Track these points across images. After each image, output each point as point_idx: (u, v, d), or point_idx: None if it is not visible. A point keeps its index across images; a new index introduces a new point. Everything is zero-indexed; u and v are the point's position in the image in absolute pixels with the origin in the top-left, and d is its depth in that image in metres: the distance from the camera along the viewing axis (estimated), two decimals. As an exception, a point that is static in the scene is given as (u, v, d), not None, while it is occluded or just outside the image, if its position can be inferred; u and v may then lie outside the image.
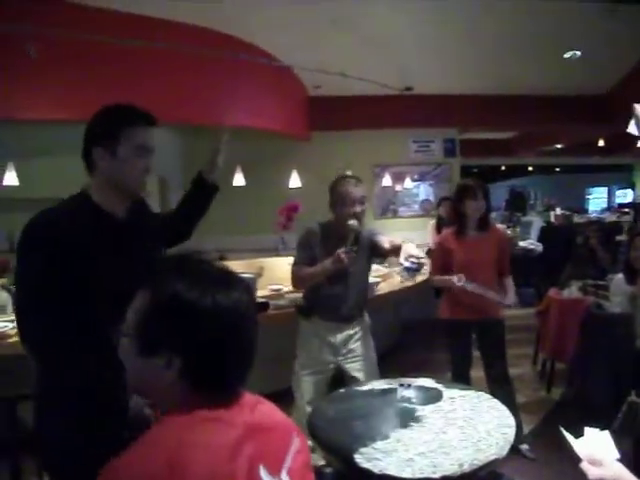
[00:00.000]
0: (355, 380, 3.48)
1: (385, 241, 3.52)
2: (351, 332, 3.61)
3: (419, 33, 6.90)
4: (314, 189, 7.80)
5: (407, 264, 3.13)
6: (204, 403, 1.18)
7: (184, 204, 2.64)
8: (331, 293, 3.52)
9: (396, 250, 3.34)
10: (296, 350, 3.69)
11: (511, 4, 6.28)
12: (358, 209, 3.41)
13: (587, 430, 1.78)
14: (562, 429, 1.73)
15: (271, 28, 6.29)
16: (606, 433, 1.78)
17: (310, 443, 3.13)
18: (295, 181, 7.53)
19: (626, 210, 11.91)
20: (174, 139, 8.14)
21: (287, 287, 5.48)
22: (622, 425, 3.76)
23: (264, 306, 4.63)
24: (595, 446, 1.68)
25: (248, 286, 1.30)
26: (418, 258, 3.11)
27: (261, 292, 5.00)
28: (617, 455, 1.66)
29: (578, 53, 7.47)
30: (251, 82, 6.70)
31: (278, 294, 5.15)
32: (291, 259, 5.70)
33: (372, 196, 9.19)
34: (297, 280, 3.54)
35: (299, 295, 5.07)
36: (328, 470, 1.92)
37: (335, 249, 3.31)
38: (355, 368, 3.60)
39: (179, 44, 5.61)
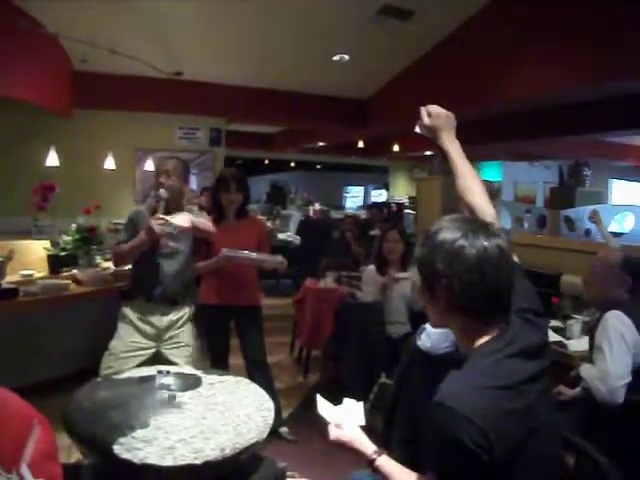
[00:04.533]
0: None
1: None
2: (174, 317, 3.60)
3: (194, 18, 6.81)
4: (73, 169, 7.41)
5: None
6: None
7: None
8: (149, 271, 3.52)
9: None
10: (115, 333, 3.57)
11: (288, 2, 6.43)
12: (163, 179, 3.51)
13: (345, 399, 1.94)
14: (318, 395, 1.87)
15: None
16: (360, 404, 1.94)
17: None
18: (53, 159, 7.07)
19: (373, 210, 12.72)
20: None
21: (40, 273, 5.14)
22: (374, 404, 4.04)
23: (12, 292, 4.30)
24: (345, 412, 1.88)
25: None
26: None
27: (10, 277, 4.62)
28: (363, 422, 1.86)
29: (346, 57, 7.82)
30: (7, 46, 6.06)
31: (29, 280, 4.80)
32: (45, 243, 5.41)
33: (133, 180, 8.95)
34: (116, 257, 3.61)
35: (56, 281, 4.81)
36: (86, 462, 1.81)
37: None
38: (178, 354, 3.58)
39: None
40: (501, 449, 1.36)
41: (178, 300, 3.65)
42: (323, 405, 1.89)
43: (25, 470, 1.08)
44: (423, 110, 2.04)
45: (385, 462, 1.65)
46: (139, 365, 3.35)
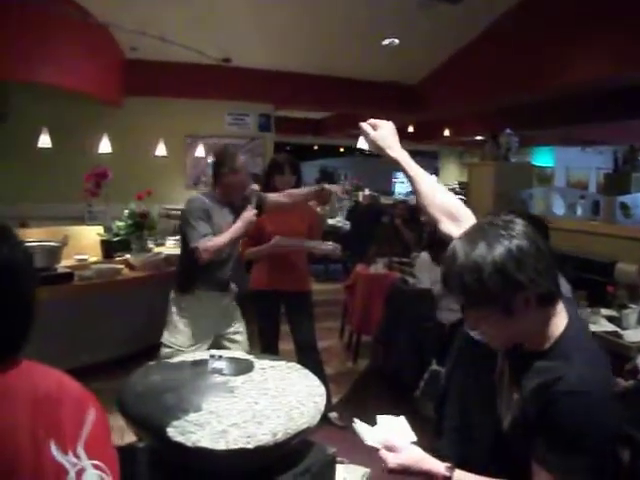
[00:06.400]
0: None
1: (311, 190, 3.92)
2: (227, 300, 3.71)
3: (242, 4, 6.82)
4: (125, 155, 7.53)
5: (345, 196, 4.05)
6: None
7: None
8: (222, 259, 3.54)
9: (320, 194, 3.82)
10: (170, 328, 3.57)
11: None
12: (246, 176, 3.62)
13: (380, 418, 1.84)
14: (355, 422, 1.80)
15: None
16: (402, 418, 1.86)
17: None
18: (105, 146, 7.19)
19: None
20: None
21: (93, 257, 5.24)
22: (424, 391, 4.02)
23: (67, 277, 4.40)
24: (391, 432, 1.75)
25: (19, 242, 1.20)
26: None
27: (66, 262, 4.72)
28: (414, 438, 1.74)
29: (396, 41, 7.73)
30: (58, 37, 6.20)
31: (84, 264, 4.90)
32: (98, 228, 5.50)
33: (184, 166, 9.05)
34: (215, 253, 3.39)
35: (109, 266, 4.88)
36: (141, 445, 1.84)
37: (232, 215, 3.52)
38: (238, 332, 3.73)
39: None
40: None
41: (230, 283, 3.75)
42: (364, 431, 1.77)
43: (81, 451, 1.10)
44: (366, 125, 2.02)
45: (463, 476, 1.55)
46: None
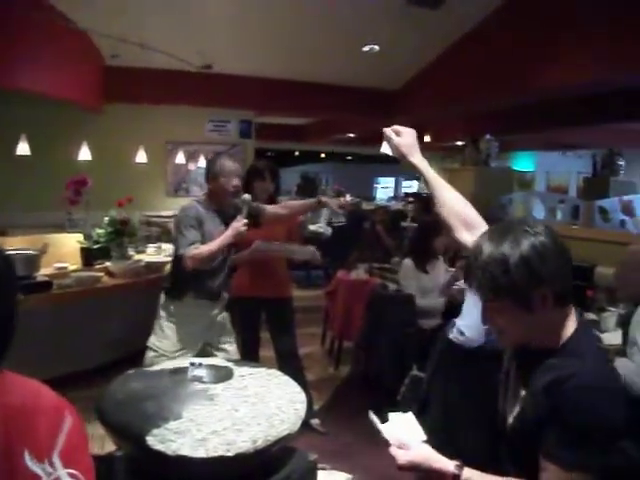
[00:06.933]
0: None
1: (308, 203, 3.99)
2: (218, 309, 3.66)
3: (223, 11, 6.82)
4: (106, 163, 7.48)
5: (340, 211, 4.12)
6: None
7: None
8: (213, 268, 3.51)
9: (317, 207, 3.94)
10: (157, 333, 3.54)
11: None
12: (238, 182, 3.54)
13: (391, 415, 1.84)
14: (371, 414, 1.80)
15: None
16: (410, 415, 1.86)
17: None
18: (85, 154, 7.14)
19: (411, 200, 12.62)
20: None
21: (73, 265, 5.20)
22: (405, 397, 4.03)
23: (46, 285, 4.36)
24: (401, 429, 1.75)
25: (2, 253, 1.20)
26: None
27: (45, 270, 4.68)
28: (423, 437, 1.73)
29: (377, 48, 7.76)
30: (39, 43, 6.12)
31: (63, 273, 4.87)
32: (78, 236, 5.46)
33: (164, 173, 9.02)
34: (202, 261, 3.34)
35: (89, 273, 4.85)
36: (120, 454, 1.83)
37: (225, 222, 3.46)
38: (227, 342, 3.69)
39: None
40: None
41: (222, 292, 3.72)
42: (378, 424, 1.75)
43: (56, 460, 1.09)
44: (389, 131, 2.07)
45: (471, 474, 1.55)
46: None
